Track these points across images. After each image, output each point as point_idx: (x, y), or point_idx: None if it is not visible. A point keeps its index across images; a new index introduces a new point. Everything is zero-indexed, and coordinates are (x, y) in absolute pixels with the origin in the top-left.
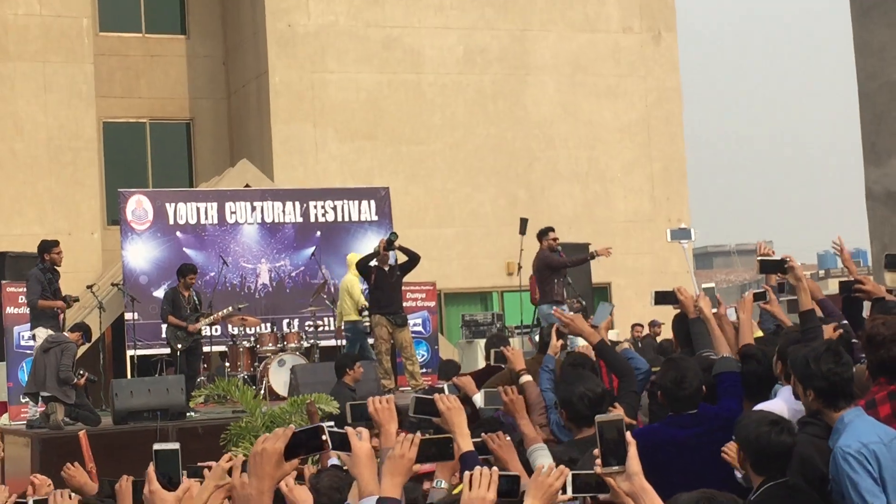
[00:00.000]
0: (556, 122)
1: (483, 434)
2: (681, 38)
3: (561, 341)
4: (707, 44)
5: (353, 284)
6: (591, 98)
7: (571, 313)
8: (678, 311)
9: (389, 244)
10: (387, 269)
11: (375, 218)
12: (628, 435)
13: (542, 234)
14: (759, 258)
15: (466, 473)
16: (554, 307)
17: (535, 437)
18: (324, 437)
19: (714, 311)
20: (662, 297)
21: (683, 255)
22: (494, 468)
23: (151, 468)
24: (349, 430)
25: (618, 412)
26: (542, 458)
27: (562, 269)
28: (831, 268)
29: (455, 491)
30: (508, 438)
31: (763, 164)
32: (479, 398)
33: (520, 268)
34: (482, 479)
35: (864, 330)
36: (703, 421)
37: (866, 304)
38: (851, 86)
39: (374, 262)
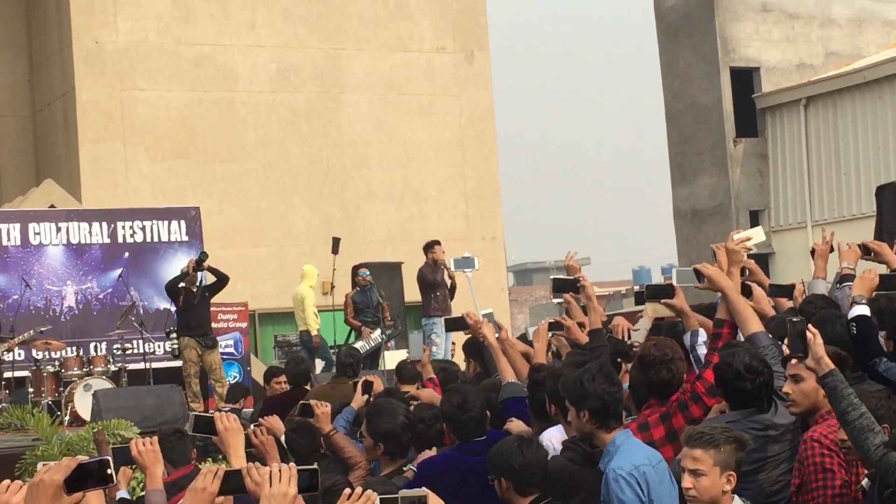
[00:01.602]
0: (371, 141)
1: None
2: (493, 58)
3: (366, 396)
4: (520, 63)
5: (306, 295)
6: (405, 117)
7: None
8: (469, 335)
9: (199, 264)
10: (195, 290)
11: (186, 238)
12: None
13: (427, 248)
14: (552, 277)
15: (265, 469)
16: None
17: None
18: (109, 471)
19: (497, 335)
20: (453, 324)
21: (468, 284)
22: (292, 463)
23: None
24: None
25: (424, 490)
26: None
27: (439, 284)
28: (646, 282)
29: None
30: (272, 438)
31: (577, 182)
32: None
33: (333, 287)
34: (282, 474)
35: (636, 351)
36: (492, 446)
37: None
38: (659, 107)
39: (182, 284)
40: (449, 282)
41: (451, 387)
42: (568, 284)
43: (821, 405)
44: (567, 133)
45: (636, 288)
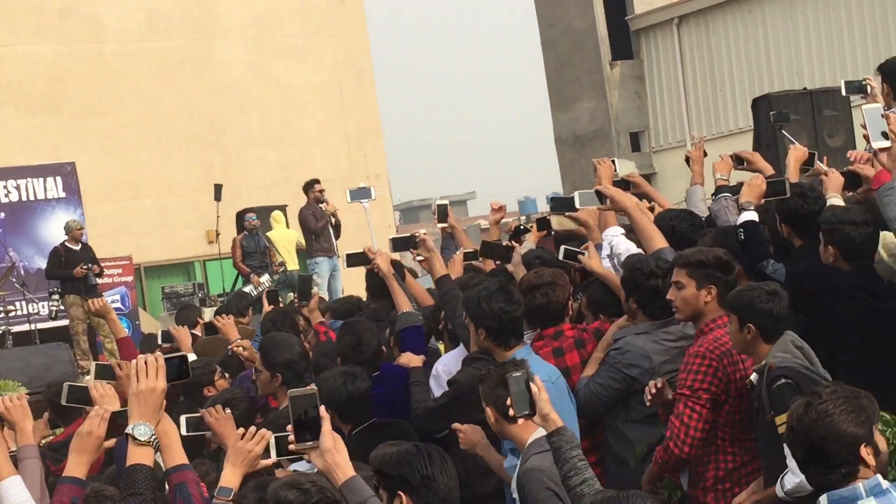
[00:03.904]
0: (247, 86)
1: (201, 410)
2: None
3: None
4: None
5: (278, 238)
6: (280, 59)
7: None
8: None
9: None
10: (78, 248)
11: (63, 195)
12: (322, 410)
13: (307, 188)
14: (390, 238)
15: (133, 362)
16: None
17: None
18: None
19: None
20: (355, 259)
21: (366, 214)
22: (158, 353)
23: None
24: None
25: (311, 387)
26: None
27: (321, 230)
28: (532, 212)
29: None
30: (228, 411)
31: (458, 116)
32: None
33: (218, 235)
34: (148, 368)
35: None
36: (386, 381)
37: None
38: (535, 34)
39: (67, 243)
40: (333, 220)
41: (347, 322)
42: (406, 242)
43: (705, 312)
44: (444, 67)
45: (522, 219)
